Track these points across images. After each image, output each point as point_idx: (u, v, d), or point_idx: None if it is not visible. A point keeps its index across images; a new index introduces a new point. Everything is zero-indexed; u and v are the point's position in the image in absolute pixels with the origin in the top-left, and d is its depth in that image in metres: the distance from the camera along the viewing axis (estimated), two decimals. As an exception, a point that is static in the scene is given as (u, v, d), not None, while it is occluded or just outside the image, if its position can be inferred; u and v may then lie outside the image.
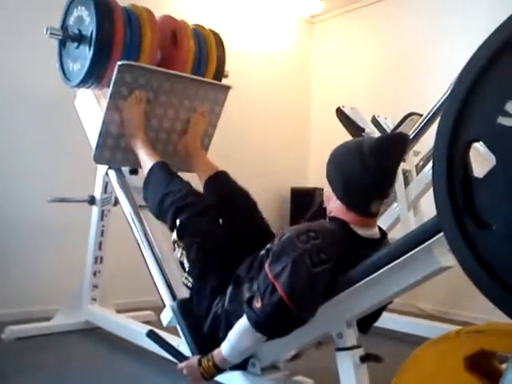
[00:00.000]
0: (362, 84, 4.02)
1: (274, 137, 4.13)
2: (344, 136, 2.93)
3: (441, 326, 2.51)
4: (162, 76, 2.13)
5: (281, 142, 4.18)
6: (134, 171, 2.25)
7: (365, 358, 1.36)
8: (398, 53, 3.83)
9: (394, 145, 1.39)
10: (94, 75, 2.11)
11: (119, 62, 2.01)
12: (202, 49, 2.32)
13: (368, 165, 1.34)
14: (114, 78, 2.02)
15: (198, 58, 2.30)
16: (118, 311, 2.63)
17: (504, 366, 0.96)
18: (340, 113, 2.94)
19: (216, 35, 2.41)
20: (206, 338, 1.60)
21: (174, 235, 1.73)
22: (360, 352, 1.37)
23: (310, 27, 4.51)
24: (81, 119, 2.44)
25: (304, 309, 1.29)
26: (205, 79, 2.31)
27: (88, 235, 2.59)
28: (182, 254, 1.70)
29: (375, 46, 4.03)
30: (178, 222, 1.72)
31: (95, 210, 2.57)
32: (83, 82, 2.16)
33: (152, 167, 1.94)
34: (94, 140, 2.16)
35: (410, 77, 3.67)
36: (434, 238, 1.12)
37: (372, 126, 2.93)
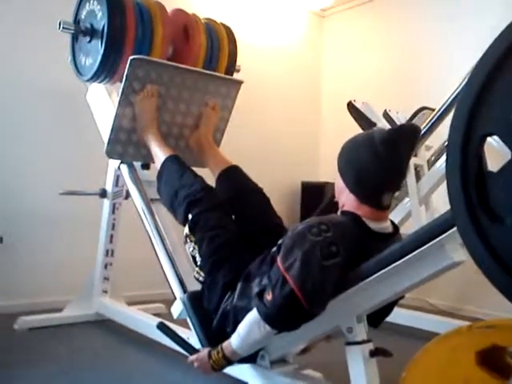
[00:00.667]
0: (374, 78, 3.99)
1: (284, 131, 4.12)
2: (355, 130, 2.90)
3: (451, 322, 2.50)
4: (173, 70, 2.13)
5: (291, 136, 4.17)
6: (145, 166, 2.25)
7: (374, 353, 1.35)
8: (409, 46, 3.79)
9: (405, 136, 1.38)
10: (106, 70, 2.12)
11: (131, 57, 2.01)
12: (214, 43, 2.32)
13: (379, 156, 1.34)
14: (126, 72, 2.02)
15: (210, 52, 2.30)
16: (129, 303, 2.65)
17: (516, 361, 0.96)
18: (351, 107, 2.92)
19: (228, 29, 2.41)
20: (215, 331, 1.61)
21: (186, 229, 1.74)
22: (370, 346, 1.36)
23: (320, 21, 4.48)
24: (93, 113, 2.45)
25: (314, 301, 1.29)
26: (216, 74, 2.30)
27: (99, 228, 2.61)
28: (193, 249, 1.70)
29: (386, 39, 3.99)
30: (190, 216, 1.72)
31: (106, 203, 2.58)
32: (95, 77, 2.17)
33: (165, 161, 1.94)
34: (106, 135, 2.17)
35: (422, 71, 3.64)
36: (447, 233, 1.11)
37: (384, 120, 2.92)
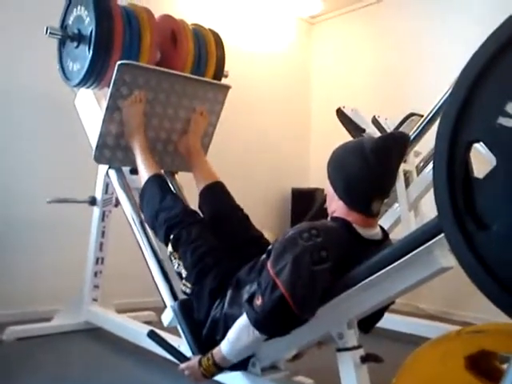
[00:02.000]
0: (362, 85, 4.02)
1: (274, 137, 4.13)
2: (344, 136, 2.94)
3: (441, 326, 2.51)
4: (161, 76, 2.14)
5: (281, 142, 4.18)
6: (134, 171, 2.24)
7: (365, 359, 1.36)
8: (397, 53, 3.83)
9: (394, 144, 1.40)
10: (94, 75, 2.11)
11: (119, 62, 2.01)
12: (202, 49, 2.33)
13: (369, 164, 1.35)
14: (113, 77, 2.02)
15: (198, 58, 2.31)
16: (119, 311, 2.63)
17: (505, 366, 0.96)
18: (340, 113, 2.94)
19: (215, 35, 2.42)
20: (205, 339, 1.60)
21: (170, 248, 1.75)
22: (360, 352, 1.37)
23: (309, 27, 4.52)
24: (81, 119, 2.45)
25: (304, 306, 1.29)
26: (204, 79, 2.31)
27: (89, 236, 2.59)
28: (178, 265, 1.71)
29: (375, 46, 4.03)
30: (171, 236, 1.75)
31: (96, 211, 2.57)
32: (83, 82, 2.16)
33: (147, 180, 1.95)
34: (94, 140, 2.16)
35: (410, 77, 3.67)
36: (435, 239, 1.12)
37: (372, 126, 2.94)
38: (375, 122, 2.98)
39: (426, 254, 1.16)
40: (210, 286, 1.61)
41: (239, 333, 1.38)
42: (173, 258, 1.74)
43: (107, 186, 2.50)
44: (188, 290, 1.68)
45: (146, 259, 1.95)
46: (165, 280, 1.86)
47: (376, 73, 3.96)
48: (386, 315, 1.58)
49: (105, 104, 2.11)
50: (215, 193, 2.01)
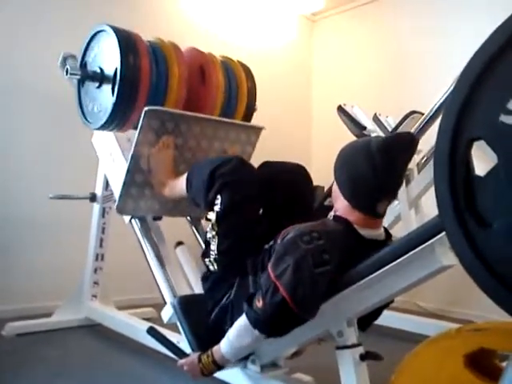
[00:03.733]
0: (364, 82, 4.01)
1: (275, 135, 4.10)
2: (346, 134, 2.94)
3: (441, 324, 2.51)
4: (191, 120, 1.98)
5: (282, 140, 4.17)
6: (157, 218, 2.12)
7: (365, 356, 1.36)
8: (399, 51, 3.82)
9: (402, 145, 1.38)
10: (118, 119, 1.92)
11: (146, 108, 1.84)
12: (232, 83, 2.16)
13: (375, 165, 1.33)
14: (140, 124, 1.86)
15: (228, 93, 2.14)
16: (119, 308, 2.63)
17: (504, 364, 0.96)
18: (341, 111, 2.94)
19: (245, 67, 2.28)
20: (206, 334, 1.60)
21: (213, 216, 1.58)
22: (360, 350, 1.37)
23: (310, 25, 4.51)
24: (99, 159, 2.33)
25: (306, 309, 1.29)
26: (237, 122, 2.17)
27: (89, 232, 2.59)
28: (213, 237, 1.59)
29: (376, 43, 4.02)
30: (218, 199, 1.56)
31: (96, 208, 2.57)
32: (105, 126, 1.97)
33: (189, 172, 1.77)
34: (116, 189, 2.01)
35: (412, 75, 3.67)
36: (436, 238, 1.12)
37: (373, 124, 2.93)
38: (376, 119, 2.98)
39: (427, 253, 1.16)
40: (233, 280, 1.57)
41: (239, 333, 1.38)
42: (210, 227, 1.60)
43: (107, 183, 2.49)
44: (212, 268, 1.60)
45: (145, 255, 1.95)
46: (164, 277, 1.86)
47: (377, 70, 3.95)
48: (386, 313, 1.58)
49: (130, 151, 1.92)
50: (265, 168, 1.85)
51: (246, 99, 2.21)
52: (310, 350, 1.70)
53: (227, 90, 2.13)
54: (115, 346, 2.31)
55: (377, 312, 1.49)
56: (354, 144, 1.44)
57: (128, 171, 1.92)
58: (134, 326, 2.23)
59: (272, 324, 1.32)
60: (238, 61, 2.29)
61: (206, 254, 1.63)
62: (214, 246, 1.60)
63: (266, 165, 1.88)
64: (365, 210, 1.39)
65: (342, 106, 2.94)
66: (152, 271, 1.91)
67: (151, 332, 1.68)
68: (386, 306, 1.49)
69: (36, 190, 2.73)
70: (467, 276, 0.90)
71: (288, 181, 1.78)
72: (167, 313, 1.78)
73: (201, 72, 2.09)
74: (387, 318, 2.33)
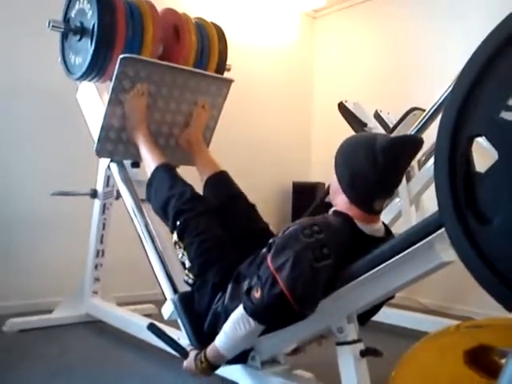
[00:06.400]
0: (365, 79, 4.01)
1: (276, 131, 4.12)
2: (346, 131, 2.93)
3: (441, 321, 2.51)
4: (163, 69, 2.12)
5: (283, 136, 4.18)
6: (135, 164, 2.24)
7: (365, 353, 1.36)
8: (400, 47, 3.81)
9: (407, 148, 1.38)
10: (96, 68, 2.10)
11: (121, 56, 2.00)
12: (204, 42, 2.32)
13: (377, 163, 1.33)
14: (115, 71, 2.01)
15: (200, 51, 2.30)
16: (119, 304, 2.64)
17: (503, 360, 0.96)
18: (342, 107, 2.94)
19: (218, 28, 2.41)
20: (207, 333, 1.60)
21: (175, 237, 1.73)
22: (360, 346, 1.37)
23: (312, 22, 4.50)
24: (83, 112, 2.43)
25: (304, 303, 1.29)
26: (206, 72, 2.30)
27: (90, 229, 2.60)
28: (183, 255, 1.70)
29: (377, 40, 4.01)
30: (178, 223, 1.72)
31: (97, 204, 2.57)
32: (85, 75, 2.15)
33: (155, 169, 1.93)
34: (96, 133, 2.15)
35: (413, 71, 3.66)
36: (436, 234, 1.12)
37: (374, 120, 2.93)
38: (377, 116, 2.98)
39: (427, 249, 1.16)
40: (213, 280, 1.61)
41: (236, 324, 1.38)
42: (177, 247, 1.72)
43: (108, 179, 2.49)
44: (190, 281, 1.68)
45: (146, 252, 1.95)
46: (165, 273, 1.86)
47: (378, 67, 3.95)
48: (386, 309, 1.58)
49: (107, 97, 2.09)
50: (219, 182, 1.99)
51: (218, 58, 2.37)
52: (310, 346, 1.70)
53: (199, 48, 2.29)
54: (116, 342, 2.31)
55: (376, 307, 1.49)
56: (357, 139, 1.44)
57: (105, 115, 2.07)
58: (134, 323, 2.24)
59: (268, 315, 1.32)
60: (211, 22, 2.42)
61: (184, 273, 1.71)
62: (186, 261, 1.69)
63: (216, 180, 2.00)
64: (362, 206, 1.39)
65: (343, 102, 2.95)
66: (152, 267, 1.91)
67: (152, 328, 1.68)
68: (386, 301, 1.49)
69: (36, 186, 2.73)
70: (467, 272, 0.90)
71: (237, 213, 1.89)
72: (168, 309, 1.78)
73: (175, 31, 2.24)
74: (387, 315, 2.34)
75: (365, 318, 1.50)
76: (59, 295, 2.60)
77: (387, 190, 1.42)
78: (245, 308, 1.35)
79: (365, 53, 4.08)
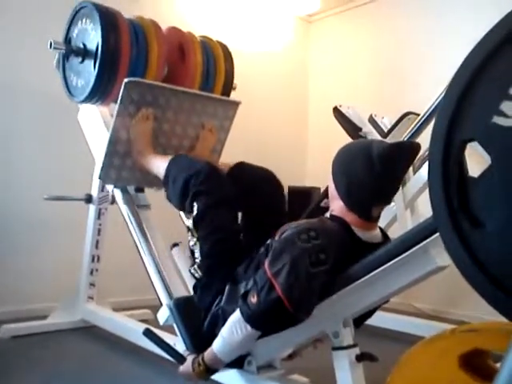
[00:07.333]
0: (359, 83, 4.02)
1: (271, 136, 4.12)
2: (341, 135, 2.94)
3: (437, 325, 2.52)
4: (169, 93, 2.06)
5: (278, 141, 4.18)
6: (139, 189, 2.19)
7: (360, 357, 1.36)
8: (394, 52, 3.83)
9: (405, 154, 1.38)
10: (100, 92, 2.04)
11: (126, 80, 1.93)
12: (210, 62, 2.25)
13: (374, 171, 1.33)
14: (120, 95, 1.94)
15: (206, 71, 2.23)
16: (115, 310, 2.63)
17: (498, 364, 0.96)
18: (337, 112, 2.94)
19: (224, 47, 2.35)
20: (203, 336, 1.60)
21: (190, 223, 1.65)
22: (356, 351, 1.37)
23: (306, 26, 4.51)
24: (85, 134, 2.37)
25: (301, 308, 1.29)
26: (213, 95, 2.23)
27: (85, 234, 2.59)
28: (195, 244, 1.64)
29: (372, 45, 4.03)
30: (195, 207, 1.63)
31: (92, 209, 2.57)
32: (88, 99, 2.09)
33: (169, 164, 1.83)
34: (99, 159, 2.08)
35: (407, 76, 3.68)
36: (431, 238, 1.13)
37: (369, 125, 2.94)
38: (372, 120, 2.99)
39: (422, 253, 1.17)
40: (219, 285, 1.58)
41: (232, 328, 1.38)
42: (190, 234, 1.66)
43: (103, 184, 2.49)
44: (197, 275, 1.64)
45: (142, 258, 1.95)
46: (160, 278, 1.86)
47: (373, 71, 3.96)
48: (382, 314, 1.59)
49: (111, 122, 2.02)
50: (236, 174, 1.88)
51: (224, 78, 2.30)
52: (306, 351, 1.70)
53: (205, 68, 2.22)
54: (111, 348, 2.30)
55: (371, 310, 1.49)
56: (354, 146, 1.44)
57: (110, 142, 2.00)
58: (130, 328, 2.23)
59: (265, 320, 1.32)
60: (217, 40, 2.36)
61: (192, 263, 1.67)
62: (197, 253, 1.64)
63: (239, 168, 1.92)
64: (360, 213, 1.40)
65: (338, 107, 2.95)
66: (148, 272, 1.90)
67: (147, 334, 1.68)
68: (381, 305, 1.50)
69: (32, 191, 2.72)
70: (462, 277, 0.90)
71: (263, 191, 1.83)
72: (163, 314, 1.78)
73: (180, 50, 2.18)
74: (383, 319, 2.34)
75: (360, 321, 1.51)
76: (54, 301, 2.58)
77: (384, 197, 1.43)
78: (241, 313, 1.34)
79: (359, 57, 4.10)
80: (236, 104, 2.30)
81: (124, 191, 2.14)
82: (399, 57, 3.79)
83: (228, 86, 2.34)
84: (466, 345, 0.96)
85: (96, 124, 2.29)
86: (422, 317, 2.92)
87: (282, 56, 4.32)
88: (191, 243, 1.66)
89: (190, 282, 1.93)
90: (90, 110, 2.32)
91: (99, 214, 2.56)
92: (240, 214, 1.82)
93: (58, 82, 2.31)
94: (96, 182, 2.53)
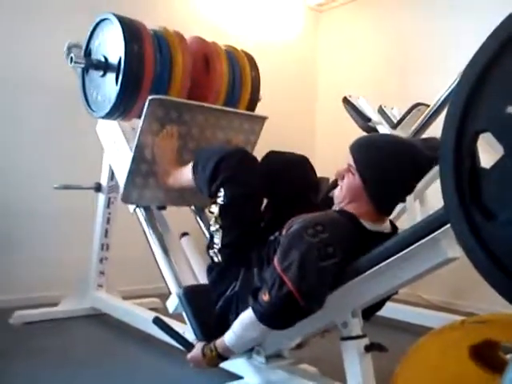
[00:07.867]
0: (369, 73, 3.99)
1: (279, 126, 4.09)
2: (350, 126, 2.93)
3: (445, 317, 2.51)
4: (194, 109, 1.99)
5: (286, 131, 4.16)
6: (161, 207, 2.12)
7: (369, 348, 1.36)
8: (405, 42, 3.79)
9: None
10: (122, 108, 1.93)
11: (150, 97, 1.85)
12: (236, 72, 2.15)
13: (412, 174, 1.38)
14: (144, 113, 1.86)
15: (232, 82, 2.14)
16: (124, 298, 2.65)
17: (508, 356, 0.97)
18: (346, 102, 2.92)
19: (249, 56, 2.27)
20: (212, 323, 1.61)
21: (216, 210, 1.60)
22: (365, 341, 1.37)
23: (316, 16, 4.47)
24: (104, 148, 2.33)
25: (312, 301, 1.30)
26: (240, 111, 2.16)
27: (94, 222, 2.61)
28: (216, 231, 1.61)
29: (382, 34, 3.99)
30: (221, 193, 1.59)
31: (101, 198, 2.58)
32: (109, 115, 1.98)
33: (198, 151, 1.78)
34: (121, 178, 2.02)
35: (418, 67, 3.64)
36: (441, 230, 1.12)
37: (378, 116, 2.92)
38: (381, 111, 2.96)
39: (432, 245, 1.16)
40: (235, 272, 1.59)
41: (245, 326, 1.39)
42: (214, 221, 1.62)
43: (112, 173, 2.50)
44: (216, 260, 1.63)
45: (151, 246, 1.96)
46: (170, 267, 1.87)
47: (383, 61, 3.92)
48: (391, 305, 1.58)
49: (134, 139, 1.93)
50: (267, 162, 1.84)
51: (250, 89, 2.21)
52: (314, 341, 1.70)
53: (231, 79, 2.12)
54: (121, 336, 2.33)
55: (380, 303, 1.50)
56: (397, 145, 1.41)
57: (133, 160, 1.92)
58: (139, 316, 2.25)
59: (278, 317, 1.33)
60: (242, 50, 2.28)
61: (210, 245, 1.65)
62: (217, 240, 1.62)
63: (271, 155, 1.89)
64: (385, 212, 1.44)
65: (348, 97, 2.93)
66: (157, 261, 1.92)
67: (157, 322, 1.69)
68: (390, 296, 1.50)
69: (40, 180, 2.74)
70: (471, 268, 0.90)
71: (295, 175, 1.80)
72: (173, 303, 1.79)
73: (205, 61, 2.09)
74: (392, 310, 2.34)
75: (369, 313, 1.51)
76: (65, 289, 2.61)
77: (409, 193, 1.47)
78: (254, 312, 1.35)
79: (369, 47, 4.06)
80: (263, 119, 2.24)
81: (147, 210, 2.04)
82: (409, 48, 3.74)
83: (254, 97, 2.25)
84: (475, 336, 0.97)
85: (117, 139, 2.18)
86: (431, 308, 2.91)
87: (292, 45, 4.29)
88: (213, 228, 1.63)
89: (199, 271, 1.94)
90: (110, 123, 2.22)
91: (108, 203, 2.57)
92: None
93: (62, 71, 2.28)
94: (105, 171, 2.53)
